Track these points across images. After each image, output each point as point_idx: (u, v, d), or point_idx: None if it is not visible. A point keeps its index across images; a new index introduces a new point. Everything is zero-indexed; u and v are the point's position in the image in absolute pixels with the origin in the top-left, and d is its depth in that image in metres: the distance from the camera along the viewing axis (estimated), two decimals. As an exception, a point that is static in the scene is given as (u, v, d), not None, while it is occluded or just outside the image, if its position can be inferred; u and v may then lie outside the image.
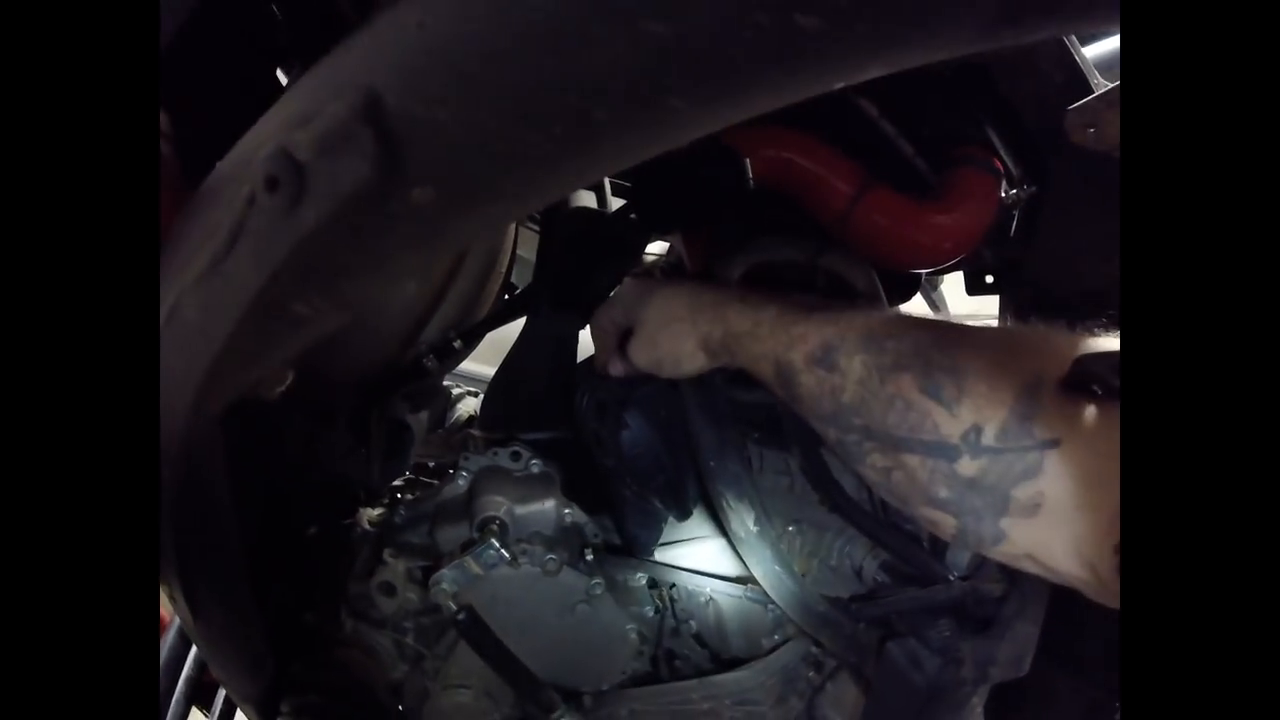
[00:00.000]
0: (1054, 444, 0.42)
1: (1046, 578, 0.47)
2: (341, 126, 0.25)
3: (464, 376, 1.38)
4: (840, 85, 0.30)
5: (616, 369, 0.72)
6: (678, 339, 0.64)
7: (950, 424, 0.47)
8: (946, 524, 0.49)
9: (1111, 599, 0.41)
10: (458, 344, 0.72)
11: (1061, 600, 0.83)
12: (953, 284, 1.05)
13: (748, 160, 0.73)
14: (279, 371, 0.43)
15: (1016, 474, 0.44)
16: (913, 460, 0.49)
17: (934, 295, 1.34)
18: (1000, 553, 0.47)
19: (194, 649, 0.85)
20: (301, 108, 0.27)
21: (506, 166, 0.25)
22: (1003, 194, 0.78)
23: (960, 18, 0.28)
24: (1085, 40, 0.76)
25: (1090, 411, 0.42)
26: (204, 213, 0.33)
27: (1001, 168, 0.78)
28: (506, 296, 0.87)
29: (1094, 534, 0.41)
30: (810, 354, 0.55)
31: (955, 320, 0.56)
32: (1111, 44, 0.85)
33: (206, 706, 0.90)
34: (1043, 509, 0.43)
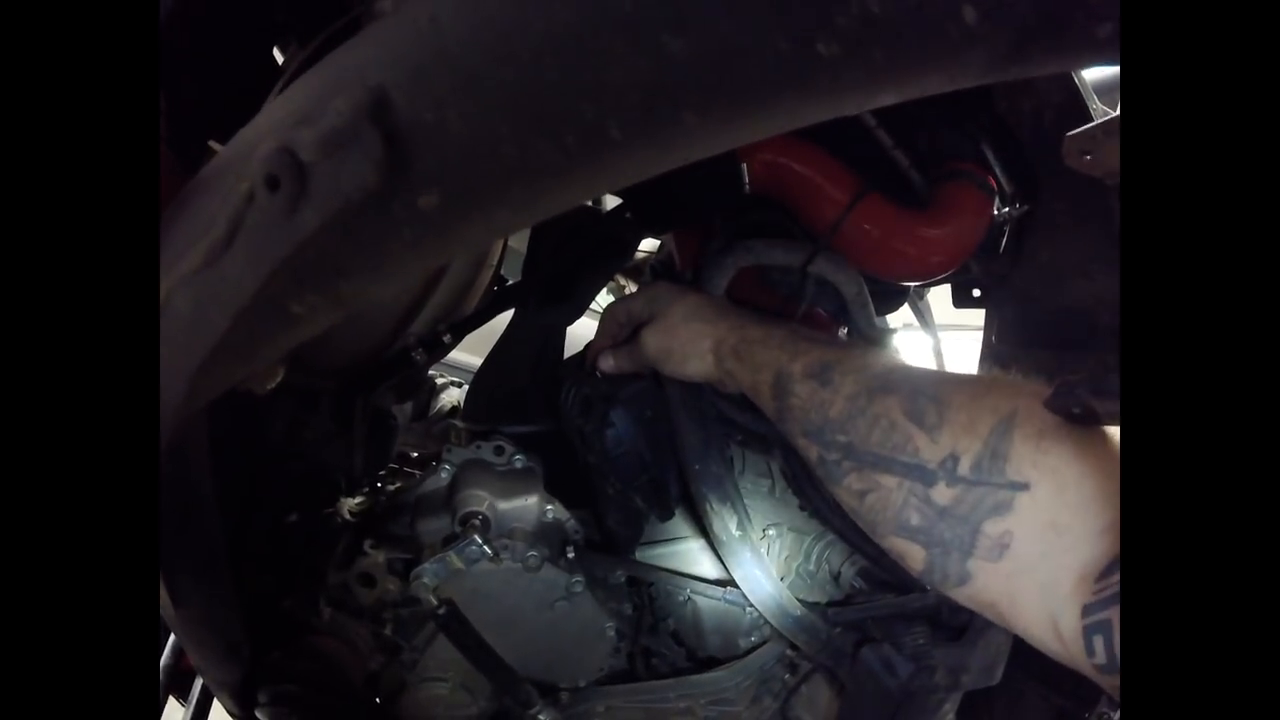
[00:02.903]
0: (1024, 487, 0.43)
1: (1010, 630, 0.48)
2: (348, 126, 0.24)
3: (448, 366, 1.36)
4: (852, 111, 0.30)
5: (608, 364, 0.72)
6: (697, 335, 0.66)
7: (930, 449, 0.48)
8: (915, 555, 0.50)
9: (1073, 662, 0.41)
10: (447, 338, 0.71)
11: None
12: (939, 296, 1.06)
13: (744, 164, 0.73)
14: (270, 367, 0.42)
15: (988, 508, 0.45)
16: (890, 481, 0.50)
17: (920, 305, 1.35)
18: (964, 595, 0.48)
19: (171, 637, 0.84)
20: (306, 103, 0.27)
21: (515, 175, 0.24)
22: (995, 211, 0.79)
23: (972, 53, 0.28)
24: (1084, 64, 0.77)
25: (1059, 460, 0.43)
26: (199, 204, 0.32)
27: (995, 185, 0.79)
28: (496, 289, 0.87)
29: (1061, 585, 0.41)
30: (809, 366, 0.57)
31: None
32: (1109, 69, 0.86)
33: (183, 695, 0.89)
34: (1010, 551, 0.44)
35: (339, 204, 0.25)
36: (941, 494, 0.47)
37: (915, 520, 0.48)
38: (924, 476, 0.48)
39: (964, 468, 0.46)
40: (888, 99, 0.31)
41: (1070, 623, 0.40)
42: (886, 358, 0.57)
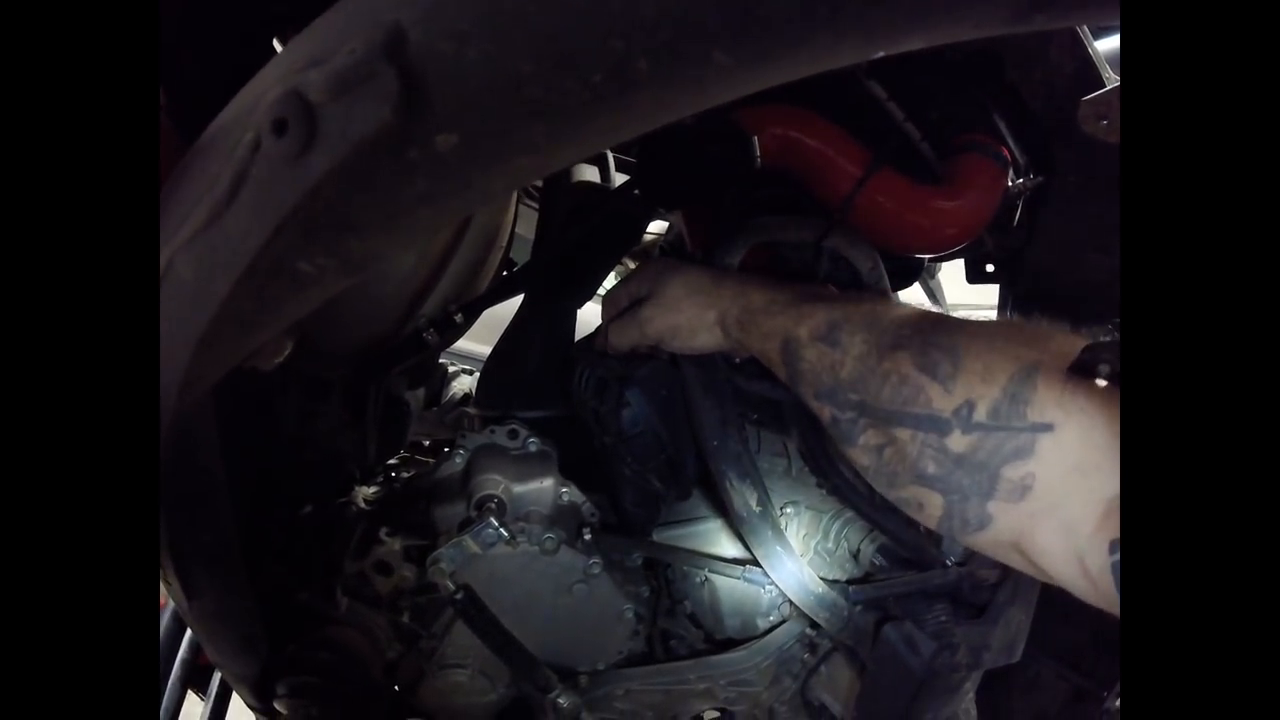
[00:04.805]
0: (1047, 428, 0.42)
1: (1034, 574, 0.47)
2: (360, 64, 0.23)
3: (458, 354, 1.36)
4: (878, 54, 0.29)
5: (606, 342, 0.71)
6: (700, 309, 0.65)
7: (943, 399, 0.47)
8: (933, 503, 0.49)
9: (1101, 601, 0.40)
10: (459, 318, 0.71)
11: (1051, 589, 0.84)
12: (952, 272, 1.05)
13: (755, 138, 0.72)
14: (277, 341, 0.41)
15: (1007, 453, 0.44)
16: (904, 434, 0.49)
17: (931, 284, 1.34)
18: (986, 540, 0.47)
19: (188, 632, 0.83)
20: (316, 46, 0.26)
21: (538, 114, 0.23)
22: (1009, 183, 0.77)
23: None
24: (1096, 33, 0.76)
25: (1087, 401, 0.42)
26: (202, 164, 0.31)
27: (1008, 156, 0.77)
28: (505, 273, 0.86)
29: (1085, 524, 0.40)
30: (815, 329, 0.56)
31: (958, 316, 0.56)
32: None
33: (202, 689, 0.88)
34: (1032, 492, 0.43)
35: (351, 146, 0.24)
36: (957, 442, 0.46)
37: (932, 469, 0.48)
38: (938, 426, 0.47)
39: (980, 414, 0.45)
40: (915, 42, 0.30)
41: (1098, 559, 0.39)
42: (895, 310, 0.55)
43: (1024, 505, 0.43)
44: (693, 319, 0.65)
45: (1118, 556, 0.37)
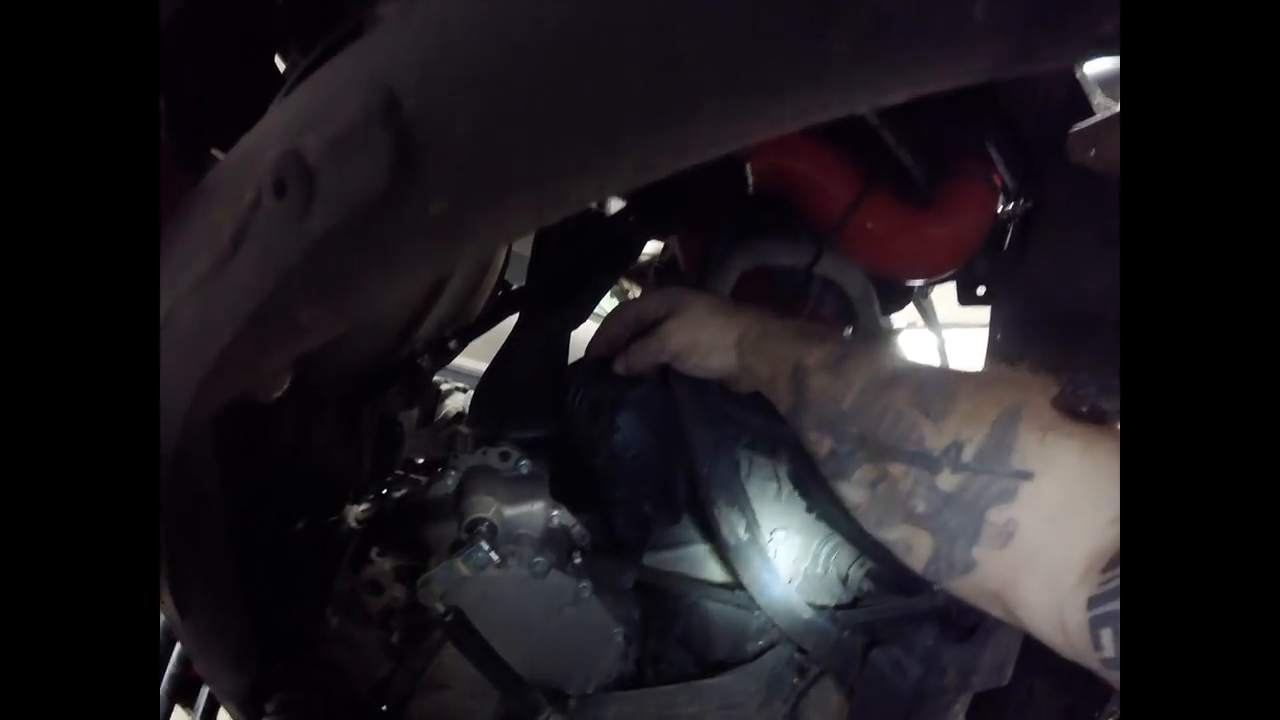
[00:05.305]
0: (1028, 476, 0.43)
1: (1014, 625, 0.48)
2: (356, 130, 0.24)
3: (453, 372, 1.36)
4: (861, 109, 0.30)
5: (621, 365, 0.72)
6: (724, 328, 0.66)
7: (935, 437, 0.48)
8: (922, 543, 0.50)
9: (1077, 657, 0.41)
10: (453, 344, 0.71)
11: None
12: (944, 294, 1.05)
13: (747, 164, 0.73)
14: (276, 376, 0.41)
15: (992, 495, 0.45)
16: (898, 469, 0.50)
17: (924, 303, 1.34)
18: (970, 586, 0.48)
19: (177, 646, 0.83)
20: (314, 106, 0.26)
21: (529, 181, 0.24)
22: (999, 208, 0.78)
23: (981, 49, 0.28)
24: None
25: (1065, 452, 0.43)
26: (205, 211, 0.32)
27: (999, 181, 0.79)
28: (500, 294, 0.86)
29: (1065, 579, 0.41)
30: (823, 358, 0.58)
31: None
32: (1112, 62, 0.86)
33: (190, 704, 0.88)
34: (1014, 539, 0.44)
35: (347, 209, 0.25)
36: (946, 480, 0.47)
37: (922, 508, 0.49)
38: (929, 463, 0.48)
39: (967, 455, 0.46)
40: (898, 96, 0.31)
41: (1076, 615, 0.39)
42: (896, 353, 0.59)
43: (1007, 553, 0.44)
44: (714, 336, 0.67)
45: (1095, 612, 0.37)
